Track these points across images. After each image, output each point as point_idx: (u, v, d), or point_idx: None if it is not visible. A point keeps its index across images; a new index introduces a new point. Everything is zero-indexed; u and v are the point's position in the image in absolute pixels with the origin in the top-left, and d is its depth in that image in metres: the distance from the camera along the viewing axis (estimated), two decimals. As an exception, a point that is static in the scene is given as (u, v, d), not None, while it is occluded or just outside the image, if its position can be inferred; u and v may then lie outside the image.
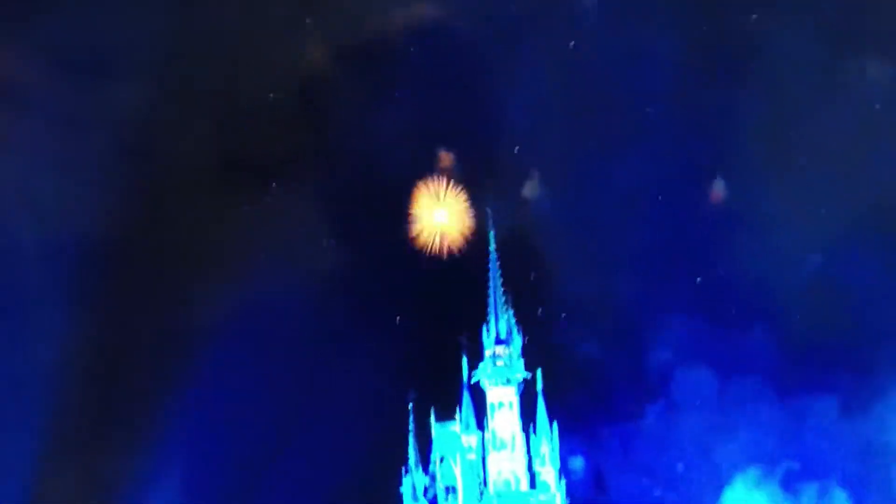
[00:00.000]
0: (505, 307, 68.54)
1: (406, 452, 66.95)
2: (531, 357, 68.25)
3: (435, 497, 66.50)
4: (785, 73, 74.56)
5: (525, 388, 67.87)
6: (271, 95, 71.06)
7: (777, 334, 72.70)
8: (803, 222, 73.71)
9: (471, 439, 66.87)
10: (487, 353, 67.83)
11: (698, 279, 73.54)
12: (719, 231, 74.73)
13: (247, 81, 70.96)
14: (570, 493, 67.21)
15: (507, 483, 66.68)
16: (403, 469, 66.55)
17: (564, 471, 67.38)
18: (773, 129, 74.64)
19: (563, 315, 71.98)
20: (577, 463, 68.54)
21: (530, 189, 75.71)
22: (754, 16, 74.42)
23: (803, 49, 74.05)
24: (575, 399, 69.56)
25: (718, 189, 76.09)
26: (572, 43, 73.24)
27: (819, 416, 72.32)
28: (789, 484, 71.15)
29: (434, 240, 71.20)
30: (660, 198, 74.95)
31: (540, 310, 71.20)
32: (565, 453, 67.69)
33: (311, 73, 72.60)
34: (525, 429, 67.28)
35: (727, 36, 75.44)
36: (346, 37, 72.29)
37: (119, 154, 69.16)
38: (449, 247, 70.96)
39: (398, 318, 70.88)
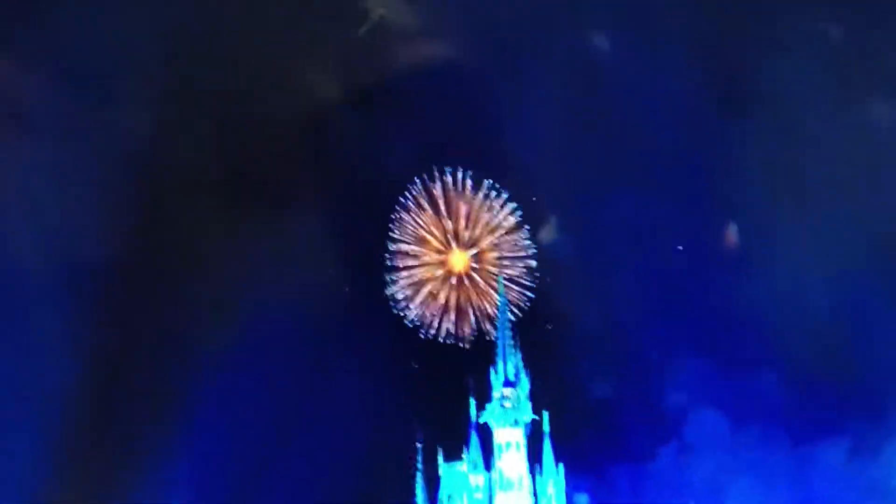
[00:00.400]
0: (513, 349, 69.37)
1: (414, 491, 67.71)
2: (539, 399, 69.13)
3: (442, 535, 67.42)
4: (795, 114, 75.29)
5: (532, 429, 68.59)
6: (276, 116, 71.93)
7: (787, 376, 73.23)
8: (813, 264, 74.34)
9: (478, 479, 67.61)
10: (495, 394, 68.48)
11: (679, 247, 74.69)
12: (730, 273, 75.47)
13: (252, 101, 72.18)
14: (576, 533, 68.02)
15: (514, 523, 67.42)
16: (411, 507, 67.46)
17: (570, 511, 68.20)
18: (783, 172, 75.40)
19: (575, 357, 72.97)
20: (582, 500, 69.09)
21: (546, 232, 76.97)
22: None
23: (813, 89, 74.87)
24: (584, 440, 70.33)
25: (729, 231, 76.90)
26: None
27: (829, 459, 72.73)
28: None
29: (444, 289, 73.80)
30: (680, 248, 75.92)
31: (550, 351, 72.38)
32: (571, 492, 68.36)
33: (319, 99, 73.83)
34: (532, 470, 67.92)
35: (738, 76, 76.33)
36: (356, 72, 73.72)
37: (122, 169, 70.37)
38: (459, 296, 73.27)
39: (416, 365, 72.83)
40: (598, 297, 74.41)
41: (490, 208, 75.74)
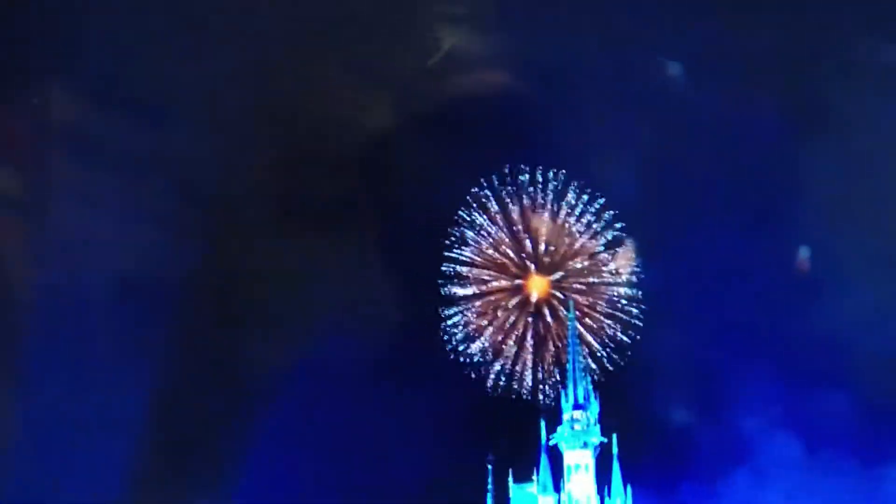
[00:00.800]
0: (583, 373, 70.55)
1: (485, 512, 69.22)
2: (608, 422, 70.27)
3: (512, 555, 68.72)
4: (869, 142, 75.50)
5: (601, 451, 69.74)
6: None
7: (859, 400, 73.50)
8: (887, 290, 74.57)
9: (547, 500, 68.89)
10: (565, 416, 69.83)
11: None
12: (805, 297, 75.73)
13: (308, 131, 73.08)
14: (643, 554, 69.00)
15: (583, 544, 68.68)
16: (481, 529, 68.80)
17: (638, 533, 69.18)
18: (858, 198, 75.57)
19: (648, 381, 73.79)
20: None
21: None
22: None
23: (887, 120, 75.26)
24: (653, 462, 71.17)
25: (804, 256, 77.22)
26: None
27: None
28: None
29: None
30: (752, 274, 76.11)
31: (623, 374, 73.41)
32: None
33: (375, 130, 74.80)
34: (600, 492, 69.12)
35: (809, 108, 76.53)
36: (422, 99, 74.30)
37: (183, 195, 72.09)
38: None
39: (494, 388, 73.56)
40: (672, 321, 75.09)
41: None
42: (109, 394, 70.53)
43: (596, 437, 69.53)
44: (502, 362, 73.82)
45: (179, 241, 71.78)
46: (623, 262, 75.23)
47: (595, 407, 70.02)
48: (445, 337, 73.31)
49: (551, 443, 69.57)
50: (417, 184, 73.51)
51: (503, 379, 73.53)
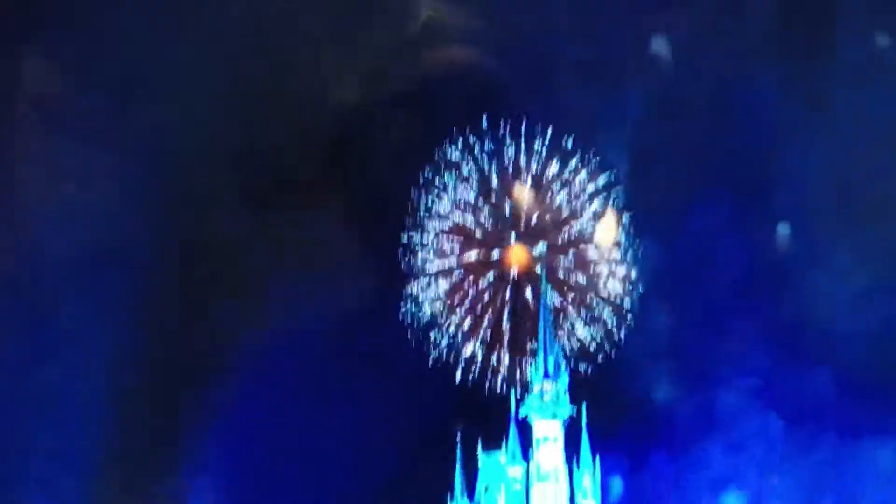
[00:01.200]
0: (553, 343, 70.33)
1: (452, 480, 68.95)
2: (577, 393, 70.16)
3: (478, 525, 68.58)
4: (860, 125, 75.12)
5: (570, 423, 69.54)
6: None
7: (839, 375, 73.25)
8: (872, 268, 74.27)
9: (516, 470, 68.82)
10: (535, 387, 69.50)
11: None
12: (787, 276, 75.50)
13: (278, 104, 72.43)
14: (610, 524, 69.03)
15: (550, 514, 68.36)
16: (448, 496, 68.53)
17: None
18: (847, 177, 75.26)
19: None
20: (616, 483, 69.85)
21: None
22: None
23: (877, 102, 74.78)
24: (624, 433, 71.12)
25: (787, 235, 76.90)
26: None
27: (879, 461, 72.64)
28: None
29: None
30: (736, 251, 75.63)
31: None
32: (607, 482, 69.28)
33: (344, 103, 74.06)
34: (569, 462, 68.93)
35: (801, 89, 76.13)
36: (393, 72, 73.90)
37: (149, 168, 71.64)
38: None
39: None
40: (651, 296, 74.84)
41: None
42: (72, 363, 70.59)
43: (566, 409, 69.25)
44: (473, 349, 71.96)
45: (145, 211, 71.74)
46: (608, 232, 73.89)
47: (565, 378, 69.74)
48: (407, 320, 71.84)
49: (521, 414, 69.40)
50: (389, 156, 73.10)
51: (475, 369, 71.75)
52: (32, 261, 71.32)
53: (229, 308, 72.04)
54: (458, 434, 69.26)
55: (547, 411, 69.29)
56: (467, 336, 71.91)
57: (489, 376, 71.64)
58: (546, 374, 69.59)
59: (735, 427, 73.25)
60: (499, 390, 71.42)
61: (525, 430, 69.47)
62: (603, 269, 73.05)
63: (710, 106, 76.07)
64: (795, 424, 73.42)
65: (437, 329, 71.95)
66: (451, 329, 71.77)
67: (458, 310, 72.23)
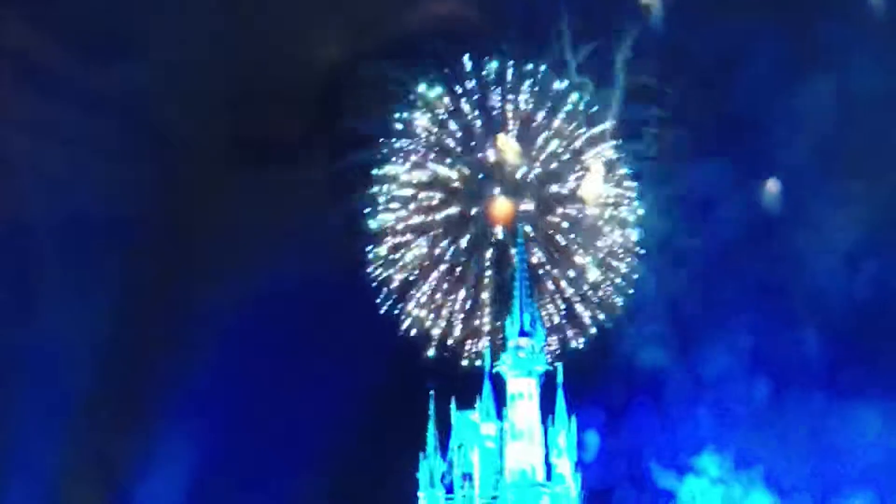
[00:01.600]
0: (530, 300, 68.89)
1: (425, 438, 67.55)
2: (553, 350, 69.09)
3: (451, 483, 66.94)
4: (857, 84, 73.77)
5: (546, 380, 68.14)
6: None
7: (828, 340, 72.17)
8: (862, 229, 73.21)
9: (489, 428, 67.34)
10: (510, 343, 67.91)
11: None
12: (776, 236, 74.48)
13: (264, 65, 71.99)
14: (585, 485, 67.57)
15: (524, 473, 66.56)
16: (421, 454, 67.15)
17: (581, 464, 67.64)
18: (835, 137, 74.01)
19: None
20: (592, 437, 68.53)
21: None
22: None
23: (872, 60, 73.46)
24: (601, 395, 69.96)
25: (774, 192, 75.71)
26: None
27: (867, 423, 71.44)
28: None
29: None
30: (727, 210, 74.49)
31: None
32: (583, 440, 67.99)
33: (329, 61, 73.34)
34: (544, 421, 67.40)
35: (797, 41, 74.85)
36: (370, 32, 72.99)
37: (135, 132, 71.31)
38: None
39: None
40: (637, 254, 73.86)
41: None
42: (57, 330, 70.12)
43: (541, 366, 67.73)
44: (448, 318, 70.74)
45: (131, 176, 71.20)
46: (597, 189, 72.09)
47: (541, 334, 68.40)
48: (374, 284, 70.00)
49: (495, 370, 67.97)
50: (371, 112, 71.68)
51: (450, 341, 70.41)
52: (14, 226, 70.83)
53: (216, 273, 71.52)
54: (432, 392, 67.93)
55: (522, 368, 67.73)
56: (446, 294, 70.60)
57: (467, 338, 70.56)
58: (522, 332, 68.11)
59: (715, 390, 71.99)
60: (476, 350, 70.26)
61: (501, 389, 68.06)
62: (590, 228, 71.56)
63: (706, 63, 74.84)
64: (782, 386, 72.26)
65: (414, 288, 70.56)
66: (427, 288, 70.51)
67: (436, 268, 71.03)
